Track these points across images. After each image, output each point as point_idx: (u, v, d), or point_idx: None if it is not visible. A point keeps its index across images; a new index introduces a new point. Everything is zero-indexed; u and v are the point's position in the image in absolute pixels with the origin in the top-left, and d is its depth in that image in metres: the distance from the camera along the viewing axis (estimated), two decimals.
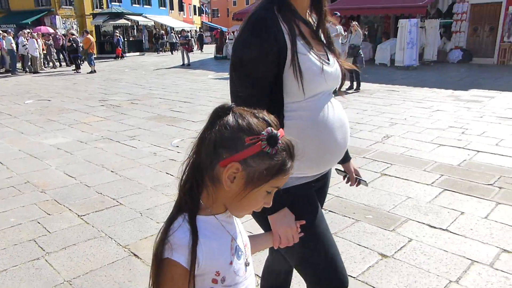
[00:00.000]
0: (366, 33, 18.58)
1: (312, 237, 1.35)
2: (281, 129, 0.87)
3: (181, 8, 43.14)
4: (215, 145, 0.84)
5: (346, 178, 1.67)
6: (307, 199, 1.39)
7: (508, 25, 14.88)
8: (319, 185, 1.49)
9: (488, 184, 3.85)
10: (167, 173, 4.34)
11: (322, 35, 1.40)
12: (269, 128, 0.83)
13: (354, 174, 1.64)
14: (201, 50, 31.53)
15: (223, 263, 0.90)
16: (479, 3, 16.15)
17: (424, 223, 3.10)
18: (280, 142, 0.83)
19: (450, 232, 2.97)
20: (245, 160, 0.82)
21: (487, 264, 2.55)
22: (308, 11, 1.40)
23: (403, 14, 15.15)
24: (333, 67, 1.36)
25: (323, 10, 1.38)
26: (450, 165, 4.39)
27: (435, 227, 3.04)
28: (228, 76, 1.33)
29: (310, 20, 1.40)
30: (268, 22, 1.25)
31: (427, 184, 3.88)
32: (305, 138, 1.28)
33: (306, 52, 1.28)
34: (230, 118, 0.85)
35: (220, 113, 0.86)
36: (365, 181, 1.62)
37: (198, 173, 0.86)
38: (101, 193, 3.82)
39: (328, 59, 1.36)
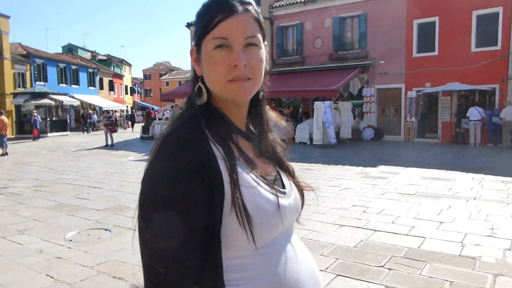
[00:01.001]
0: (287, 114, 19.83)
1: None
2: None
3: (111, 88, 43.20)
4: None
5: None
6: None
7: (408, 107, 16.77)
8: None
9: (379, 266, 3.92)
10: (47, 275, 3.89)
11: (267, 149, 1.05)
12: None
13: None
14: (132, 129, 31.28)
15: None
16: (383, 88, 18.15)
17: None
18: None
19: None
20: None
21: None
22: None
23: (318, 97, 16.43)
24: (291, 196, 0.99)
25: (263, 116, 1.04)
26: (347, 247, 4.46)
27: None
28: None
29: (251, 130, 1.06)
30: (193, 146, 0.85)
31: (321, 270, 3.85)
32: None
33: (254, 184, 0.90)
34: None
35: None
36: None
37: None
38: None
39: (283, 185, 1.01)
